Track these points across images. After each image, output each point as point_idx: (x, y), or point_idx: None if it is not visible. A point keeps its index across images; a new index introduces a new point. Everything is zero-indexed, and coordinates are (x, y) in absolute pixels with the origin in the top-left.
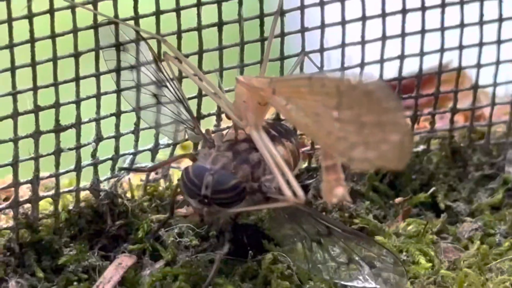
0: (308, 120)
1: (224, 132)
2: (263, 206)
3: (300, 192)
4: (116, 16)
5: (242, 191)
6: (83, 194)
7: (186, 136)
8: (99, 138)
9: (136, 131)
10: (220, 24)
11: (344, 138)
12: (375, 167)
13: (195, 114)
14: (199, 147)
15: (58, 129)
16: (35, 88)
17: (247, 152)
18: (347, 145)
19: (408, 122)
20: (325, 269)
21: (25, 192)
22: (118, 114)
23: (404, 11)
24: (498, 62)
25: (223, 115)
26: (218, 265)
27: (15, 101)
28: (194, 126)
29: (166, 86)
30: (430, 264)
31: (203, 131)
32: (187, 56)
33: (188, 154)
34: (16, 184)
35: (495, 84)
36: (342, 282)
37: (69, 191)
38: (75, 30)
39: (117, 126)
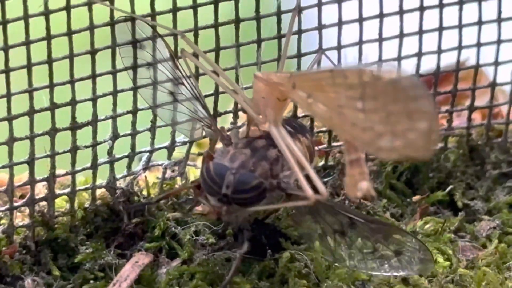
0: (331, 113)
1: (240, 129)
2: (283, 205)
3: (322, 187)
4: (132, 12)
5: (263, 191)
6: (99, 192)
7: (204, 134)
8: (115, 136)
9: (152, 129)
10: (237, 21)
11: (370, 129)
12: (402, 157)
13: (211, 112)
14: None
15: (74, 126)
16: (51, 86)
17: (265, 148)
18: (374, 135)
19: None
20: (351, 259)
21: (41, 190)
22: (134, 111)
23: (421, 8)
24: None
25: (240, 113)
26: (238, 264)
27: (31, 98)
28: (211, 123)
29: (183, 84)
30: (448, 263)
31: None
32: (204, 53)
33: (205, 151)
34: (32, 181)
35: None
36: (369, 272)
37: (85, 189)
38: (91, 27)
39: (133, 123)
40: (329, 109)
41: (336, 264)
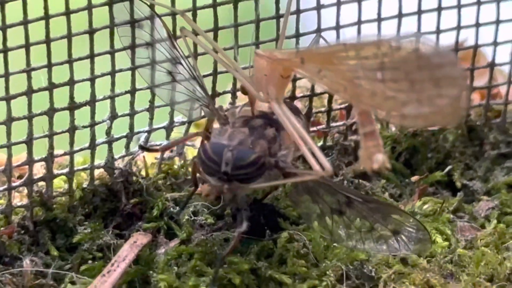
0: (346, 84)
1: (237, 109)
2: (288, 180)
3: (327, 164)
4: None
5: (262, 165)
6: (98, 172)
7: (202, 113)
8: (113, 116)
9: (150, 109)
10: (235, 1)
11: (393, 97)
12: (428, 123)
13: (210, 92)
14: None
15: (73, 106)
16: (49, 65)
17: (263, 127)
18: (398, 103)
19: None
20: (349, 238)
21: (39, 170)
22: (132, 91)
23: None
24: None
25: (238, 93)
26: (236, 243)
27: (29, 78)
28: (209, 103)
29: (181, 63)
30: (446, 243)
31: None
32: None
33: (201, 132)
34: (30, 161)
35: (511, 62)
36: (368, 250)
37: (84, 169)
38: (89, 7)
39: (131, 103)
40: (343, 81)
41: (335, 244)
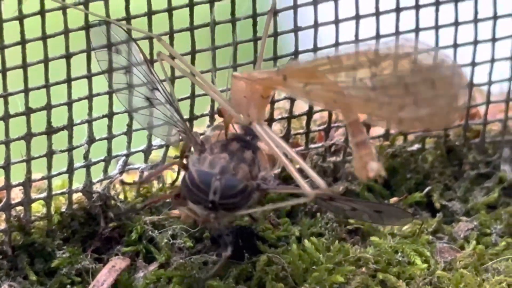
0: (335, 96)
1: (210, 133)
2: (281, 205)
3: (321, 181)
4: (107, 16)
5: (250, 193)
6: (76, 196)
7: (180, 138)
8: (91, 140)
9: (128, 132)
10: (212, 24)
11: (388, 103)
12: (426, 126)
13: (187, 115)
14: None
15: (50, 131)
16: (26, 90)
17: (241, 151)
18: (394, 108)
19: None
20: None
21: (17, 194)
22: (110, 115)
23: (398, 10)
24: (493, 60)
25: (216, 116)
26: (220, 267)
27: (6, 103)
28: (185, 129)
29: (158, 89)
30: (426, 265)
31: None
32: None
33: (178, 161)
34: (8, 186)
35: (490, 82)
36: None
37: (62, 193)
38: (66, 31)
39: (109, 127)
40: (331, 93)
41: (314, 267)
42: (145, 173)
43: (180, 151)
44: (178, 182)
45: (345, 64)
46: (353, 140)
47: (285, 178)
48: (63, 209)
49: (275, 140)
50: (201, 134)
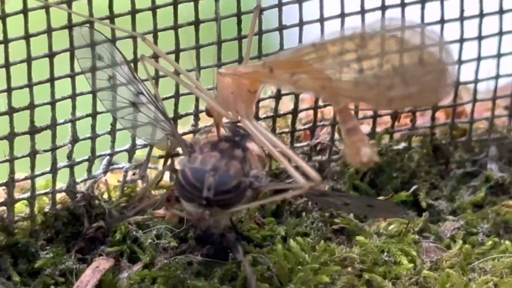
0: (323, 82)
1: (200, 136)
2: (274, 198)
3: (314, 173)
4: (90, 15)
5: (244, 189)
6: (60, 196)
7: (169, 143)
8: (75, 139)
9: (112, 132)
10: (197, 23)
11: (377, 84)
12: (416, 104)
13: (172, 115)
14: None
15: (33, 130)
16: (9, 90)
17: (231, 149)
18: (383, 88)
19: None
20: None
21: (0, 194)
22: (94, 115)
23: (383, 8)
24: (479, 58)
25: (201, 114)
26: (250, 269)
27: None
28: (173, 132)
29: (143, 93)
30: (412, 265)
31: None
32: None
33: (166, 166)
34: None
35: (476, 81)
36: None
37: (45, 193)
38: (49, 30)
39: (93, 127)
40: (320, 80)
41: (299, 267)
42: (129, 173)
43: (166, 154)
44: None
45: (331, 51)
46: (344, 126)
47: (275, 175)
48: (47, 209)
49: (266, 135)
50: (186, 133)
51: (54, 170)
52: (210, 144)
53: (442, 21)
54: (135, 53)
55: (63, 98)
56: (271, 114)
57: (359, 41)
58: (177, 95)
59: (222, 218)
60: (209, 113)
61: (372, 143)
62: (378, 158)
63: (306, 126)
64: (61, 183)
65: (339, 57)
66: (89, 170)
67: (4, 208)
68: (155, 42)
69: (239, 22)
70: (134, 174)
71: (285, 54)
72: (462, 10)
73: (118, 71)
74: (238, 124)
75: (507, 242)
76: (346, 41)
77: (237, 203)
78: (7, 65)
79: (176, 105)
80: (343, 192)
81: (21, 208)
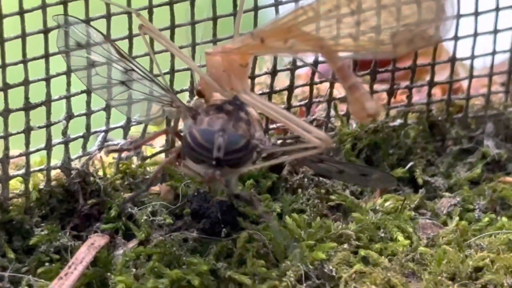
0: (321, 42)
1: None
2: (291, 157)
3: (323, 135)
4: None
5: (252, 148)
6: (54, 173)
7: (164, 114)
8: (69, 116)
9: (107, 108)
10: None
11: (377, 32)
12: (421, 45)
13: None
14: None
15: (28, 107)
16: (3, 66)
17: (236, 111)
18: (387, 35)
19: None
20: None
21: None
22: (89, 91)
23: None
24: (475, 34)
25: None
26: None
27: None
28: (172, 100)
29: (133, 69)
30: (408, 241)
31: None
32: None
33: (169, 128)
34: None
35: (472, 57)
36: None
37: (40, 170)
38: (44, 6)
39: (88, 103)
40: (316, 41)
41: (295, 244)
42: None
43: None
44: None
45: (322, 10)
46: (345, 84)
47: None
48: (42, 186)
49: (267, 104)
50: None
51: (48, 147)
52: (215, 106)
53: None
54: (130, 29)
55: (58, 74)
56: (267, 90)
57: None
58: (172, 71)
59: (232, 178)
60: (200, 93)
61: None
62: (383, 110)
63: (302, 103)
64: (56, 160)
65: (332, 15)
66: (84, 147)
67: None
68: (151, 18)
69: None
70: (129, 150)
71: (273, 22)
72: None
73: (100, 53)
74: None
75: (503, 218)
76: None
77: (246, 162)
78: (1, 41)
79: (171, 81)
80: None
81: (15, 185)
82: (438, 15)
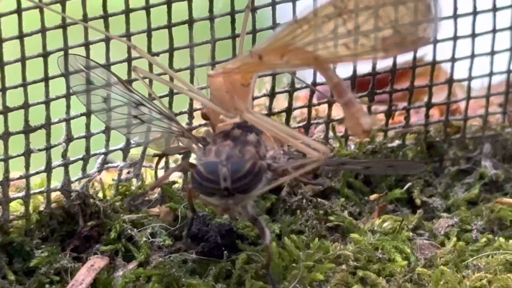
0: (316, 53)
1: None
2: (293, 174)
3: (322, 147)
4: (85, 15)
5: (259, 171)
6: (54, 195)
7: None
8: (69, 138)
9: (107, 131)
10: (190, 22)
11: (368, 39)
12: (410, 46)
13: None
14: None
15: (28, 129)
16: (3, 89)
17: (244, 135)
18: (379, 40)
19: None
20: None
21: None
22: (88, 113)
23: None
24: (473, 56)
25: (195, 113)
26: (270, 254)
27: None
28: (183, 131)
29: (143, 104)
30: (406, 262)
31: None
32: (157, 54)
33: (184, 162)
34: None
35: (470, 78)
36: None
37: (40, 192)
38: (43, 30)
39: (87, 125)
40: (312, 54)
41: (293, 265)
42: (124, 172)
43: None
44: None
45: (315, 22)
46: (341, 100)
47: None
48: (42, 208)
49: (270, 122)
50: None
51: (48, 169)
52: (223, 133)
53: None
54: (129, 52)
55: (58, 98)
56: (266, 112)
57: (339, 2)
58: (171, 94)
59: (247, 203)
60: (205, 116)
61: (366, 140)
62: (377, 125)
63: (301, 124)
64: (56, 182)
65: (326, 25)
66: (83, 169)
67: None
68: (149, 41)
69: (233, 21)
70: (128, 172)
71: (269, 39)
72: (455, 8)
73: (113, 91)
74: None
75: (501, 239)
76: (327, 7)
77: (256, 185)
78: (1, 64)
79: (170, 103)
80: (336, 190)
81: (16, 207)
82: (425, 16)
